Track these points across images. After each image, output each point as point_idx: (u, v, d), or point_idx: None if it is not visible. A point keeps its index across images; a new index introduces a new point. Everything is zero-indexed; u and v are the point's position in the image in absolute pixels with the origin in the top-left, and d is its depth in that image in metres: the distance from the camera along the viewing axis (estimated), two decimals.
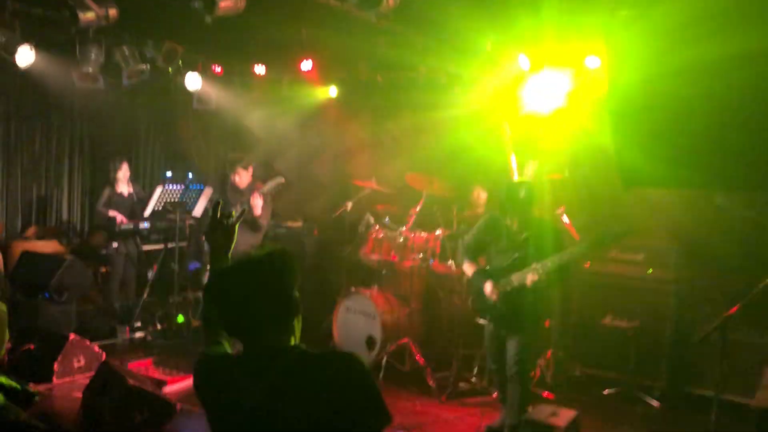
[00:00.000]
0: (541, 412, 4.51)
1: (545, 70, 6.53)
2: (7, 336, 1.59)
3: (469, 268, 4.97)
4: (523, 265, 4.66)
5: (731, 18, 1.64)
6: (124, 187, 7.74)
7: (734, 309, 4.35)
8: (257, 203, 6.15)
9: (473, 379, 5.98)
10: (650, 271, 4.72)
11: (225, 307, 2.03)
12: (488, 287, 4.73)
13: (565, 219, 6.09)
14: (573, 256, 4.58)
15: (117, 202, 7.63)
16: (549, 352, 6.16)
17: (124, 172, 7.70)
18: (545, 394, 5.77)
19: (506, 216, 4.77)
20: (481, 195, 6.72)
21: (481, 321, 4.92)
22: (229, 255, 2.39)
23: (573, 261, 4.65)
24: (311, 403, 1.91)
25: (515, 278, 4.66)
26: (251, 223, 6.31)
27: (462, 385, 5.90)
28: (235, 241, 2.43)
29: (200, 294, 8.78)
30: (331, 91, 8.43)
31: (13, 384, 1.46)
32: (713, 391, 4.22)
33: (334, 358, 2.02)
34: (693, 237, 6.58)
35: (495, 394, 5.16)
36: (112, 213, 7.47)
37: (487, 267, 4.92)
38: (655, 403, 5.79)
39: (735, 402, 5.39)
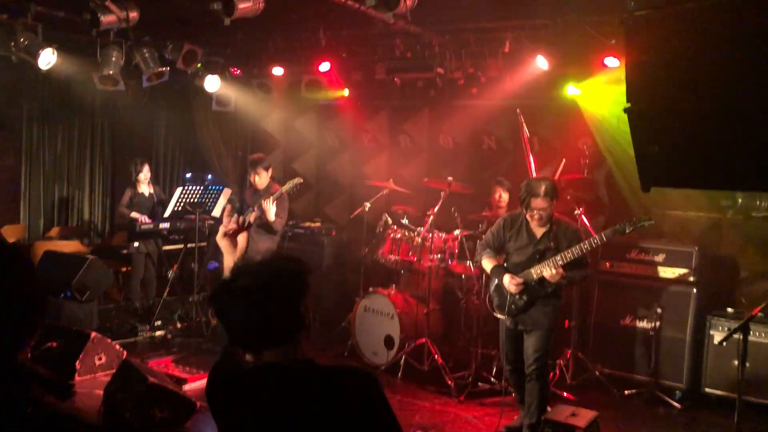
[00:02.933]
0: (560, 413, 4.49)
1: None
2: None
3: (487, 264, 4.97)
4: (541, 261, 4.67)
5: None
6: (145, 188, 7.82)
7: (756, 310, 4.30)
8: (269, 208, 6.17)
9: (492, 379, 5.97)
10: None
11: (229, 319, 1.96)
12: (507, 279, 4.73)
13: (584, 219, 6.05)
14: (591, 245, 4.58)
15: (138, 203, 7.72)
16: (569, 353, 6.13)
17: (145, 174, 7.78)
18: (565, 394, 5.74)
19: (525, 213, 4.76)
20: (502, 196, 6.70)
21: (499, 317, 4.90)
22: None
23: (591, 250, 4.64)
24: (320, 421, 1.86)
25: (535, 271, 4.66)
26: (266, 226, 6.34)
27: (481, 385, 5.89)
28: (243, 248, 2.39)
29: None
30: (349, 93, 8.45)
31: (51, 376, 1.51)
32: (735, 393, 4.17)
33: (346, 375, 1.96)
34: (713, 238, 6.53)
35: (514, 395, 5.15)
36: (133, 214, 7.55)
37: (505, 264, 4.92)
38: (675, 404, 5.74)
39: (757, 403, 5.34)
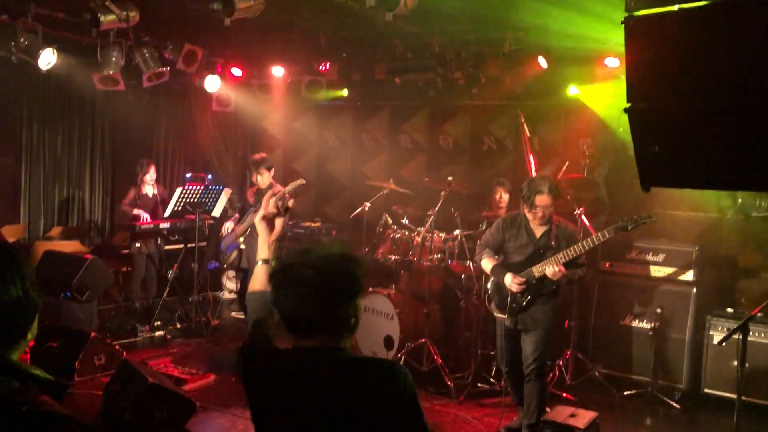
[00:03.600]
0: (560, 413, 4.50)
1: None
2: (35, 331, 1.63)
3: (487, 264, 4.97)
4: (542, 260, 4.68)
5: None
6: (149, 189, 7.83)
7: (756, 310, 4.30)
8: (271, 203, 6.18)
9: (492, 380, 5.97)
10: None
11: (282, 302, 2.03)
12: (509, 278, 4.73)
13: (584, 219, 6.06)
14: (593, 242, 4.59)
15: (142, 203, 7.72)
16: (568, 353, 6.13)
17: (151, 175, 7.79)
18: (564, 394, 5.75)
19: (527, 210, 4.77)
20: (503, 196, 6.70)
21: (499, 316, 4.90)
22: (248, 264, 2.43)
23: (593, 247, 4.66)
24: (352, 408, 1.94)
25: (536, 270, 4.67)
26: (267, 222, 6.35)
27: (480, 385, 5.89)
28: (279, 232, 2.48)
29: (219, 293, 8.86)
30: (349, 93, 8.45)
31: (47, 376, 1.51)
32: (734, 393, 4.17)
33: (379, 366, 2.04)
34: (713, 238, 6.53)
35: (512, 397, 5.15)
36: (136, 211, 7.55)
37: (505, 264, 4.92)
38: (675, 404, 5.74)
39: (757, 403, 5.34)
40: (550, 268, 4.60)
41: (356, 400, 1.94)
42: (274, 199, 6.26)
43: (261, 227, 2.48)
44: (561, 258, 4.60)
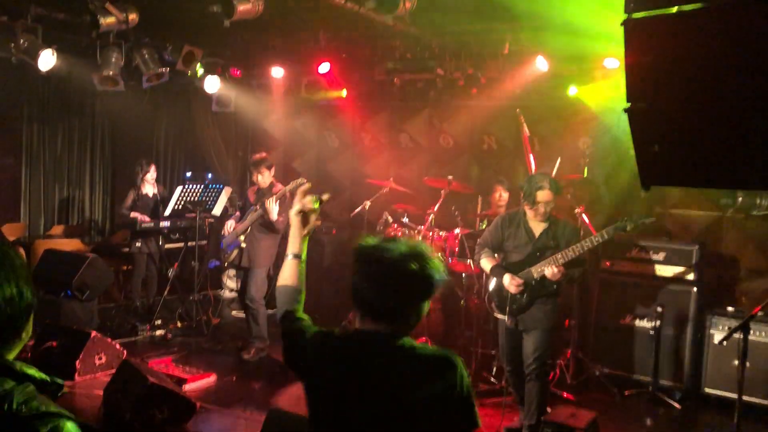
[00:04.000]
0: (560, 413, 4.50)
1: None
2: (30, 331, 1.63)
3: (486, 264, 4.96)
4: (541, 260, 4.67)
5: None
6: (149, 188, 7.83)
7: (757, 309, 4.31)
8: (272, 208, 6.19)
9: (492, 379, 5.97)
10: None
11: (359, 284, 2.12)
12: (507, 279, 4.73)
13: (584, 219, 6.06)
14: (593, 243, 4.58)
15: (143, 204, 7.72)
16: (569, 352, 6.14)
17: (152, 174, 7.79)
18: (565, 394, 5.75)
19: (528, 207, 4.76)
20: (502, 195, 6.70)
21: (499, 317, 4.90)
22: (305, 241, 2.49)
23: (592, 248, 4.65)
24: (404, 392, 2.01)
25: (535, 270, 4.67)
26: (268, 225, 6.36)
27: (481, 385, 5.90)
28: (311, 227, 2.51)
29: (220, 292, 8.86)
30: (349, 93, 8.46)
31: (43, 376, 1.50)
32: (735, 393, 4.18)
33: (437, 356, 2.09)
34: (713, 237, 6.54)
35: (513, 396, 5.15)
36: (134, 214, 7.55)
37: (504, 264, 4.92)
38: (675, 404, 5.74)
39: (757, 403, 5.35)
40: (550, 269, 4.59)
41: (409, 385, 2.02)
42: (273, 198, 6.26)
43: (295, 221, 2.49)
44: (560, 258, 4.60)
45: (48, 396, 1.52)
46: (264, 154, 6.66)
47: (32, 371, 1.54)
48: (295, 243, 2.47)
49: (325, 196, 2.57)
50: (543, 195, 4.64)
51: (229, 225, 6.64)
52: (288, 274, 2.45)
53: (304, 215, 2.49)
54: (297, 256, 2.46)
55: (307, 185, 2.56)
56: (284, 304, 2.42)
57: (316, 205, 2.49)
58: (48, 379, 1.56)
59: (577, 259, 4.65)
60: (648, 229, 5.18)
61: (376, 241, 2.17)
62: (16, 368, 1.52)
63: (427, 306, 2.16)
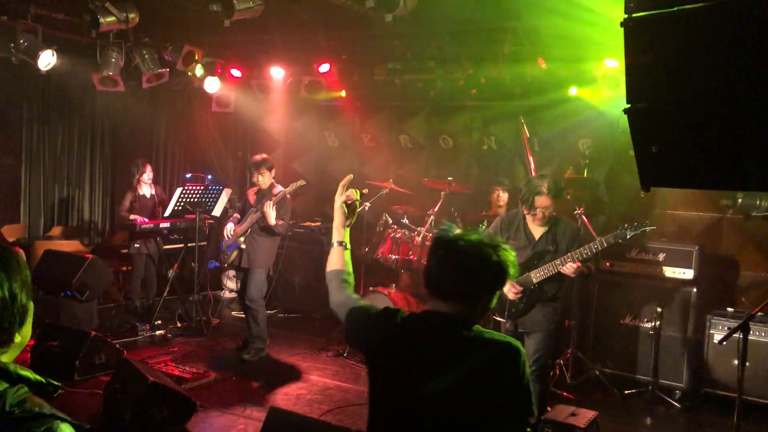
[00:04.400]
0: (560, 413, 4.50)
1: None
2: (31, 329, 1.63)
3: None
4: (540, 264, 4.65)
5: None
6: (146, 189, 7.82)
7: (756, 309, 4.31)
8: (270, 213, 6.19)
9: None
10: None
11: (433, 266, 2.21)
12: (506, 285, 4.71)
13: (584, 219, 6.06)
14: (591, 251, 4.56)
15: (140, 205, 7.71)
16: (569, 352, 6.14)
17: (148, 174, 7.78)
18: (565, 394, 5.75)
19: (526, 211, 4.74)
20: (501, 196, 6.70)
21: (498, 320, 4.89)
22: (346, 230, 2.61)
23: (591, 256, 4.63)
24: (472, 378, 2.08)
25: (534, 275, 4.64)
26: (268, 227, 6.36)
27: None
28: (354, 219, 2.64)
29: (219, 293, 8.86)
30: (349, 93, 8.46)
31: (38, 378, 1.50)
32: (735, 393, 4.18)
33: (502, 344, 2.15)
34: (713, 238, 6.54)
35: None
36: (133, 216, 7.55)
37: None
38: (675, 404, 5.74)
39: (757, 403, 5.35)
40: (567, 266, 4.56)
41: (476, 370, 2.09)
42: (270, 203, 6.27)
43: (338, 214, 2.62)
44: (559, 265, 4.56)
45: (44, 398, 1.51)
46: (265, 156, 6.66)
47: (27, 373, 1.53)
48: (339, 232, 2.60)
49: (365, 190, 2.71)
50: (541, 200, 4.59)
51: (229, 228, 6.64)
52: (335, 260, 2.58)
53: (348, 206, 2.62)
54: (341, 243, 2.60)
55: (349, 177, 2.67)
56: (336, 287, 2.55)
57: (359, 197, 2.62)
58: (43, 381, 1.56)
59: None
60: (648, 232, 5.17)
61: (454, 231, 2.26)
62: (10, 370, 1.51)
63: (496, 297, 2.24)
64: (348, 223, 2.61)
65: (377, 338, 2.30)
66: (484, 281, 2.18)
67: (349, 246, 2.61)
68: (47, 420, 1.44)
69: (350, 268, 2.59)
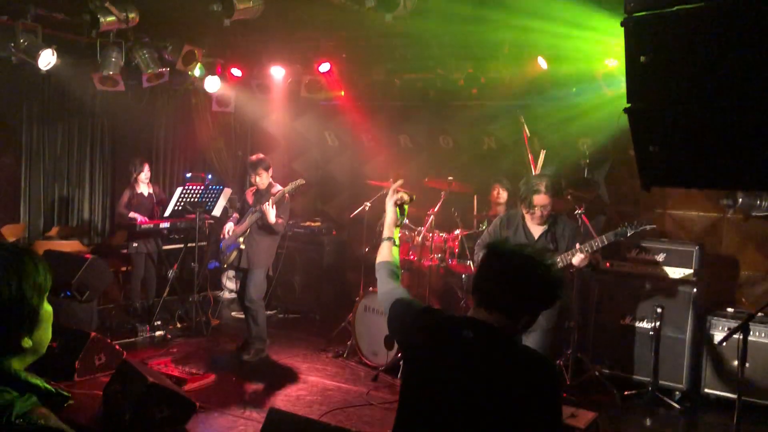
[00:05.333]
0: None
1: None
2: (50, 335, 1.61)
3: None
4: None
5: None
6: (144, 188, 7.82)
7: (756, 310, 4.31)
8: (269, 211, 6.18)
9: None
10: None
11: (483, 275, 2.29)
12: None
13: (584, 219, 6.06)
14: (592, 248, 4.57)
15: (137, 203, 7.71)
16: (568, 353, 6.13)
17: (145, 173, 7.78)
18: (564, 395, 5.74)
19: (525, 210, 4.74)
20: (501, 194, 6.70)
21: None
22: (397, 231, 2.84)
23: (590, 253, 4.63)
24: (499, 390, 2.11)
25: None
26: (267, 227, 6.36)
27: None
28: (404, 219, 2.90)
29: (219, 293, 8.86)
30: (349, 93, 8.45)
31: (48, 387, 1.48)
32: (735, 393, 4.17)
33: (538, 361, 2.19)
34: (713, 238, 6.54)
35: None
36: (132, 215, 7.55)
37: None
38: (675, 404, 5.74)
39: (757, 403, 5.35)
40: (577, 257, 4.58)
41: (507, 378, 2.11)
42: (270, 202, 6.27)
43: (390, 213, 2.86)
44: (560, 262, 4.57)
45: (52, 407, 1.49)
46: (261, 156, 6.64)
47: (37, 381, 1.51)
48: (390, 229, 2.84)
49: (414, 195, 2.99)
50: (539, 199, 4.60)
51: (228, 228, 6.64)
52: (385, 253, 2.79)
53: (400, 207, 2.87)
54: (391, 239, 2.82)
55: (400, 182, 2.97)
56: (385, 277, 2.69)
57: (410, 201, 2.88)
58: (53, 390, 1.53)
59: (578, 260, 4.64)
60: (648, 231, 5.17)
61: (509, 244, 2.39)
62: (21, 378, 1.49)
63: (538, 315, 2.26)
64: (399, 222, 2.85)
65: (416, 334, 2.36)
66: (529, 298, 2.22)
67: (398, 243, 2.82)
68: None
69: (398, 262, 2.77)
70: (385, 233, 2.82)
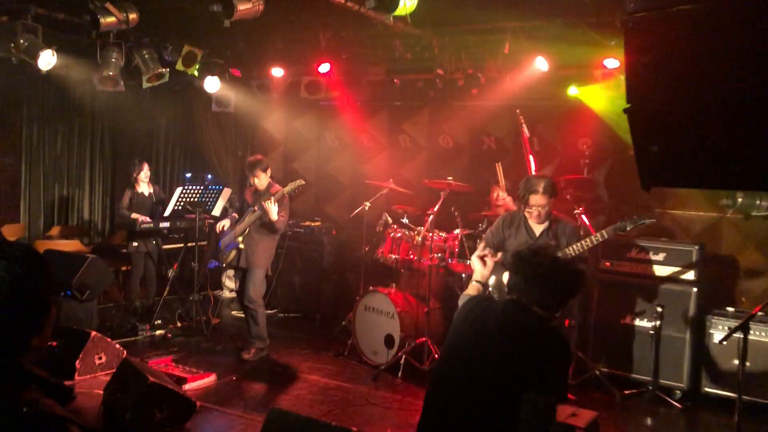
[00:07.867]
0: (560, 413, 4.48)
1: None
2: (51, 330, 1.64)
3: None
4: None
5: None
6: (144, 188, 7.82)
7: (757, 309, 4.31)
8: (271, 208, 6.18)
9: None
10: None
11: (518, 269, 2.94)
12: (506, 277, 4.71)
13: (584, 219, 6.06)
14: (592, 242, 4.59)
15: (138, 203, 7.72)
16: None
17: (145, 173, 7.78)
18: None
19: (524, 210, 4.77)
20: (500, 194, 6.70)
21: None
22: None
23: (592, 247, 4.66)
24: (516, 351, 2.80)
25: None
26: (267, 226, 6.36)
27: None
28: (490, 268, 3.74)
29: (219, 292, 8.86)
30: (349, 93, 8.45)
31: (53, 380, 1.51)
32: (735, 393, 4.18)
33: (553, 337, 2.88)
34: (713, 237, 6.54)
35: None
36: (133, 215, 7.56)
37: (505, 263, 4.91)
38: (675, 404, 5.74)
39: (757, 403, 5.35)
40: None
41: (525, 339, 2.82)
42: (272, 199, 6.28)
43: (479, 265, 3.69)
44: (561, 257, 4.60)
45: (56, 401, 1.51)
46: (258, 157, 6.63)
47: (43, 375, 1.53)
48: (482, 275, 3.65)
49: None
50: (536, 199, 4.65)
51: (224, 224, 6.63)
52: (472, 292, 3.56)
53: (482, 260, 3.65)
54: (479, 282, 3.61)
55: (493, 252, 3.92)
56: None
57: (496, 259, 3.68)
58: (58, 383, 1.56)
59: (577, 257, 4.66)
60: (648, 229, 5.19)
61: (536, 247, 3.11)
62: (26, 370, 1.51)
63: (561, 306, 2.99)
64: (486, 273, 3.64)
65: (473, 305, 3.12)
66: (551, 297, 2.87)
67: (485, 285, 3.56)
68: (59, 422, 1.44)
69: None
70: (474, 277, 3.65)
